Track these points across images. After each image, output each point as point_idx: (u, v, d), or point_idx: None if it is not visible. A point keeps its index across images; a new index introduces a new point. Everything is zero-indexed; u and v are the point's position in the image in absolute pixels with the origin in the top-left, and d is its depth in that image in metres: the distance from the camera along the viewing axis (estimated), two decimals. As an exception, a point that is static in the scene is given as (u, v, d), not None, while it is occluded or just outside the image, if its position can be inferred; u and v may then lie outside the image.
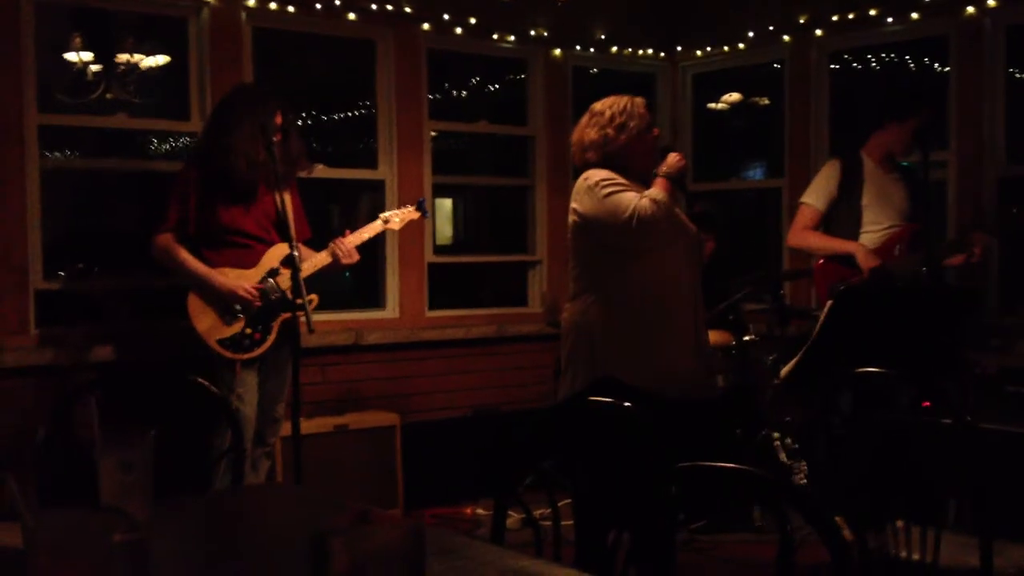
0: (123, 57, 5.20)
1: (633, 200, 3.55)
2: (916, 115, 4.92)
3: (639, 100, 3.81)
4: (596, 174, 3.68)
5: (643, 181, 3.73)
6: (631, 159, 3.72)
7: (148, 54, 5.30)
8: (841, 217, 5.04)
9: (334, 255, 4.47)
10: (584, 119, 3.84)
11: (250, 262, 4.40)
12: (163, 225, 4.36)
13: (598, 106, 3.83)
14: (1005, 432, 3.31)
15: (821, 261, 5.06)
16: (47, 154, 5.08)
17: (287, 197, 4.41)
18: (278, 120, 4.39)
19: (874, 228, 4.97)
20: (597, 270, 3.71)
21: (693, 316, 3.71)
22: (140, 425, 1.80)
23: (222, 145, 4.31)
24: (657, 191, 3.62)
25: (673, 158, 3.72)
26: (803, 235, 5.15)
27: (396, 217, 4.71)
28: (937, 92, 5.90)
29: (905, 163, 5.24)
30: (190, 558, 1.96)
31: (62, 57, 5.10)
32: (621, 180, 3.66)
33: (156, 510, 1.81)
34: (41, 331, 4.82)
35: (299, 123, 4.71)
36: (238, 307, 4.31)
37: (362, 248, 4.56)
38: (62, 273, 5.11)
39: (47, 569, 1.40)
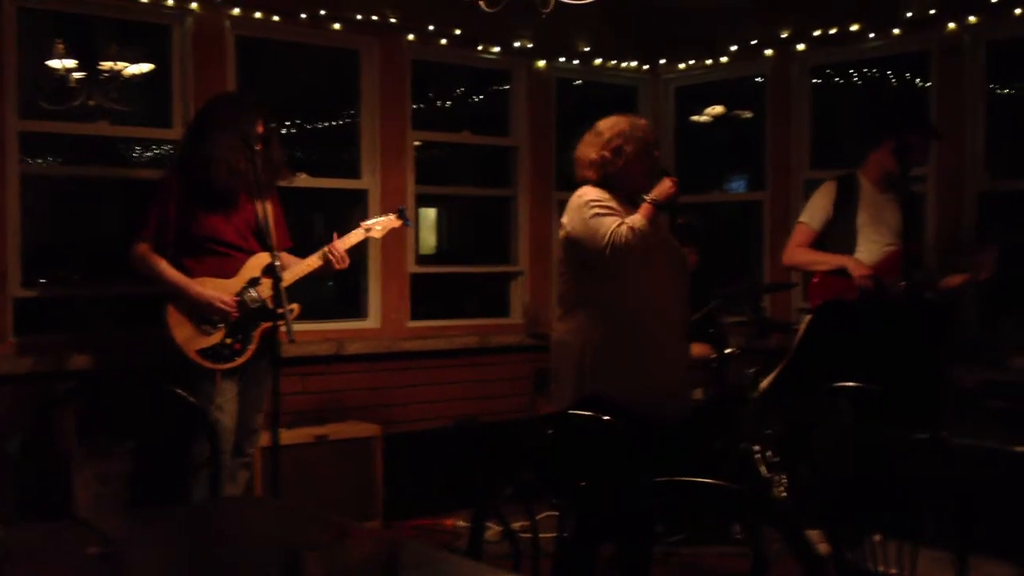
0: (106, 64, 5.19)
1: (612, 225, 3.63)
2: (908, 133, 4.93)
3: (641, 123, 3.88)
4: (588, 193, 3.76)
5: (635, 203, 3.80)
6: (626, 181, 3.81)
7: (131, 61, 5.29)
8: (837, 236, 5.06)
9: (326, 259, 4.47)
10: (587, 136, 3.91)
11: (230, 271, 4.38)
12: (141, 233, 4.34)
13: (601, 125, 3.89)
14: (981, 448, 3.33)
15: (817, 278, 5.07)
16: (28, 160, 5.05)
17: (268, 206, 4.40)
18: (259, 129, 4.38)
19: (870, 247, 4.99)
20: (585, 286, 3.77)
21: (678, 333, 3.75)
22: (117, 437, 1.80)
23: (203, 153, 4.29)
24: (639, 218, 3.69)
25: (665, 185, 3.77)
26: (794, 252, 5.19)
27: (378, 225, 4.70)
28: (925, 110, 5.93)
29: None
30: (166, 571, 1.95)
31: (44, 64, 5.08)
32: (609, 203, 3.73)
33: (133, 521, 1.81)
34: (19, 339, 4.79)
35: (282, 132, 4.70)
36: (216, 317, 4.30)
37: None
38: (42, 281, 5.08)
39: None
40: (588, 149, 3.85)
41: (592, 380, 3.66)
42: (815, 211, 5.13)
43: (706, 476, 1.85)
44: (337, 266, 4.50)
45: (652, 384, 3.68)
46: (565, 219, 3.80)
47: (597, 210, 3.69)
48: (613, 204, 3.75)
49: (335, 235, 4.54)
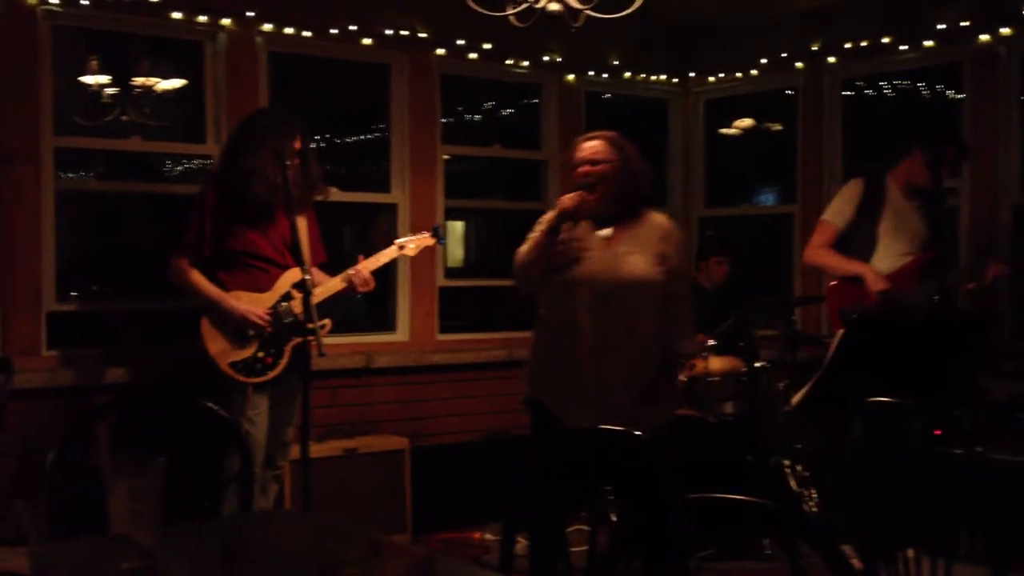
0: (139, 80, 5.25)
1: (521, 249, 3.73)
2: (943, 143, 4.89)
3: (575, 144, 3.87)
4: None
5: (601, 223, 3.79)
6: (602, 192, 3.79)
7: (164, 77, 5.34)
8: (858, 239, 5.02)
9: (349, 282, 4.47)
10: None
11: (265, 285, 4.41)
12: (179, 248, 4.38)
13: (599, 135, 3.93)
14: (1016, 462, 3.29)
15: (835, 282, 5.05)
16: (62, 175, 5.11)
17: (302, 221, 4.43)
18: (297, 144, 4.41)
19: (889, 254, 4.95)
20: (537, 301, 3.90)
21: (597, 354, 3.68)
22: (150, 452, 1.81)
23: (241, 168, 4.32)
24: (525, 244, 3.75)
25: (560, 201, 3.72)
26: (818, 252, 5.13)
27: (411, 243, 4.71)
28: (957, 126, 5.89)
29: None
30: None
31: (78, 80, 5.14)
32: (542, 222, 3.77)
33: (167, 536, 1.82)
34: (53, 353, 4.84)
35: (312, 146, 4.72)
36: (251, 331, 4.32)
37: (374, 272, 4.57)
38: (75, 294, 5.13)
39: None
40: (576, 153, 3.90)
41: (529, 386, 3.85)
42: (840, 209, 5.08)
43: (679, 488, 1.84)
44: (360, 289, 4.49)
45: (574, 397, 3.70)
46: None
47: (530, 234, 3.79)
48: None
49: (360, 257, 4.54)
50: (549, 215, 3.74)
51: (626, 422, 3.37)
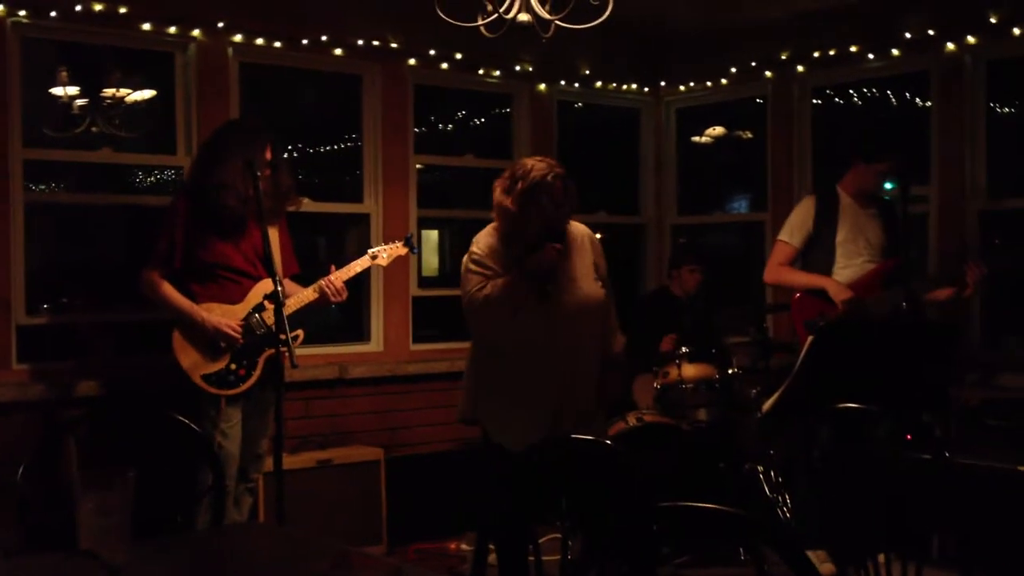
0: (109, 91, 5.22)
1: (472, 288, 3.70)
2: (883, 159, 4.99)
3: (538, 169, 3.73)
4: (478, 240, 3.84)
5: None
6: (523, 231, 3.73)
7: (134, 88, 5.33)
8: (817, 252, 5.10)
9: (322, 292, 4.46)
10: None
11: (237, 297, 4.40)
12: (150, 260, 4.36)
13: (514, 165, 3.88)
14: (984, 467, 3.33)
15: (798, 295, 5.10)
16: (32, 188, 5.08)
17: (274, 232, 4.42)
18: (267, 155, 4.40)
19: (849, 264, 5.02)
20: (472, 329, 3.89)
21: (553, 383, 3.71)
22: (121, 465, 1.80)
23: (211, 180, 4.31)
24: (500, 286, 3.68)
25: (545, 253, 3.66)
26: (777, 271, 5.22)
27: (384, 253, 4.71)
28: (906, 136, 5.98)
29: (886, 196, 5.29)
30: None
31: (48, 91, 5.12)
32: (487, 259, 3.75)
33: (138, 550, 1.81)
34: (23, 367, 4.81)
35: (285, 156, 4.72)
36: (223, 344, 4.31)
37: (348, 282, 4.57)
38: (46, 307, 5.10)
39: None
40: (496, 186, 3.81)
41: (465, 402, 3.90)
42: (795, 228, 5.17)
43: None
44: (333, 299, 4.47)
45: (515, 424, 3.73)
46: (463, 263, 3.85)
47: (470, 265, 3.76)
48: (491, 253, 3.75)
49: (332, 267, 4.54)
50: (482, 256, 3.75)
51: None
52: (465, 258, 3.84)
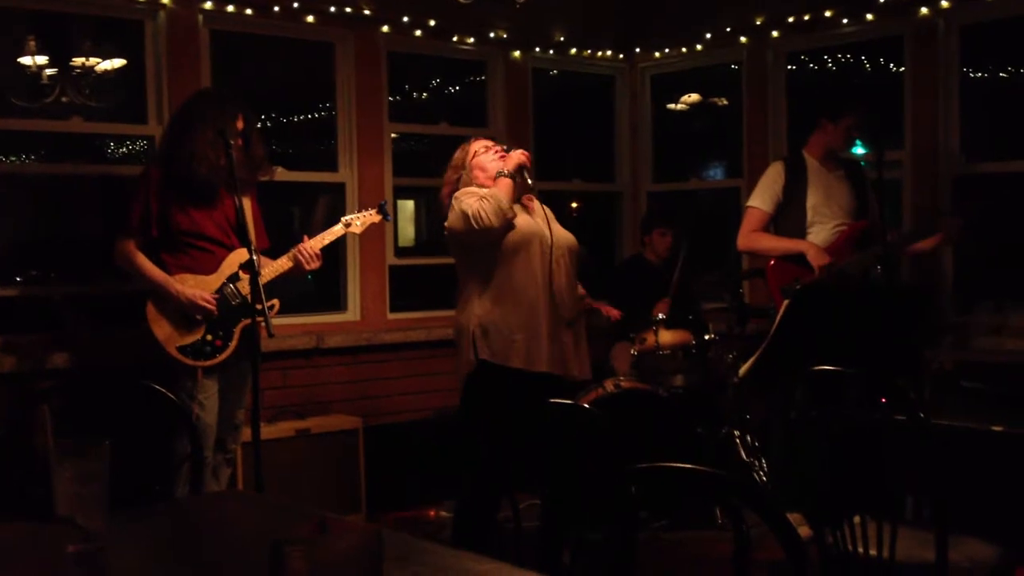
0: (78, 60, 5.16)
1: (473, 205, 3.94)
2: (848, 114, 5.01)
3: (461, 149, 4.30)
4: (459, 192, 4.14)
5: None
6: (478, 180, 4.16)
7: (104, 57, 5.26)
8: (788, 218, 5.11)
9: (296, 260, 4.44)
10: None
11: (211, 268, 4.37)
12: (124, 229, 4.32)
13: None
14: (959, 428, 3.36)
15: (773, 261, 5.11)
16: (2, 159, 5.02)
17: (247, 203, 4.39)
18: (239, 125, 4.36)
19: (821, 227, 5.03)
20: (469, 274, 4.12)
21: (552, 307, 4.02)
22: (96, 435, 1.79)
23: (183, 150, 4.27)
24: (494, 192, 3.98)
25: (514, 155, 4.09)
26: (752, 237, 5.21)
27: (357, 220, 4.69)
28: (871, 91, 5.99)
29: (861, 161, 5.30)
30: (149, 567, 1.95)
31: (16, 61, 5.05)
32: (475, 192, 4.06)
33: (114, 519, 1.80)
34: (-3, 338, 4.77)
35: (258, 126, 4.68)
36: (198, 316, 4.28)
37: (323, 251, 4.55)
38: (18, 279, 5.05)
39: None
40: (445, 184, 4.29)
41: (479, 350, 3.99)
42: (766, 194, 5.16)
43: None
44: (308, 266, 4.46)
45: (528, 350, 3.97)
46: (446, 223, 4.13)
47: (462, 198, 4.05)
48: (480, 191, 4.06)
49: (305, 237, 4.52)
50: (508, 166, 4.05)
51: (581, 370, 4.10)
52: (454, 205, 4.07)
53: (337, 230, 4.62)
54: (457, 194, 4.11)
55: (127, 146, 6.53)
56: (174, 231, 4.31)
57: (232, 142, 4.17)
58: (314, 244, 4.48)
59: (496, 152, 4.18)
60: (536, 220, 4.11)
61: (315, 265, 4.49)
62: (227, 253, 4.39)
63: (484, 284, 4.04)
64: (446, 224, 4.11)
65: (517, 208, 4.08)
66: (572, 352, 4.09)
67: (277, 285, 4.45)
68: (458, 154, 4.28)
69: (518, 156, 4.08)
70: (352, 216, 4.70)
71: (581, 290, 4.30)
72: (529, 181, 4.10)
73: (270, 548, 1.38)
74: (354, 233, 4.72)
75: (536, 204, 4.20)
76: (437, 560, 1.86)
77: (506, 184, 4.00)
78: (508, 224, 3.96)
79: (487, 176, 4.11)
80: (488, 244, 3.98)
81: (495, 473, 3.80)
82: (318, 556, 1.37)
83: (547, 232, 4.07)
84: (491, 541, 3.73)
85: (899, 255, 5.09)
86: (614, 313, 5.70)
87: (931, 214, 5.22)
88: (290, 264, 4.44)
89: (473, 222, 3.90)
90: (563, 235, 4.16)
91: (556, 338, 4.02)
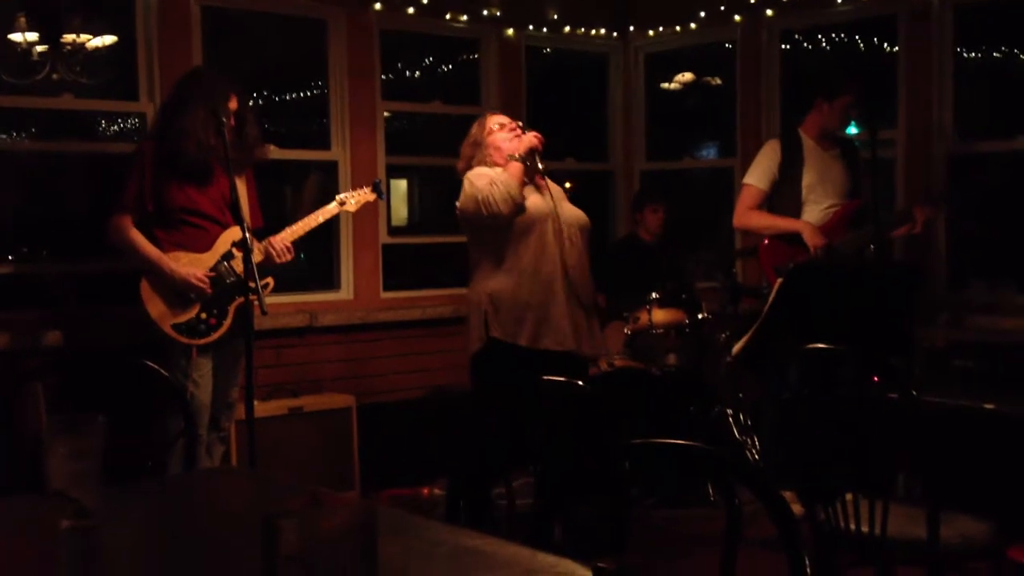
0: (69, 37, 5.12)
1: (484, 189, 4.00)
2: (845, 93, 5.00)
3: (478, 123, 4.34)
4: (470, 173, 4.17)
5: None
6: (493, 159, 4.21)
7: (95, 34, 5.23)
8: (783, 197, 5.10)
9: (266, 254, 4.42)
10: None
11: (204, 245, 4.35)
12: (120, 205, 4.30)
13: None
14: (951, 406, 3.37)
15: (766, 241, 5.11)
16: (-7, 136, 5.00)
17: (241, 183, 4.38)
18: (233, 105, 4.35)
19: (816, 207, 5.03)
20: (480, 252, 4.18)
21: (564, 284, 4.09)
22: (90, 412, 1.79)
23: (175, 128, 4.27)
24: (502, 174, 4.05)
25: (526, 138, 4.14)
26: (748, 215, 5.20)
27: (352, 199, 4.68)
28: (866, 70, 5.98)
29: (855, 141, 5.30)
30: (142, 542, 1.95)
31: (7, 38, 5.01)
32: (487, 175, 4.09)
33: (108, 495, 1.80)
34: (-11, 316, 4.76)
35: (250, 104, 4.65)
36: (192, 295, 4.27)
37: (316, 229, 4.55)
38: (10, 258, 5.03)
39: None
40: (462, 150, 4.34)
41: (490, 327, 4.05)
42: (762, 171, 5.15)
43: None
44: (278, 260, 4.45)
45: (540, 327, 4.04)
46: (457, 203, 4.17)
47: (473, 180, 4.09)
48: (492, 175, 4.09)
49: (287, 228, 4.50)
50: (520, 150, 4.11)
51: (593, 346, 4.19)
52: (466, 188, 4.11)
53: (331, 209, 4.61)
54: (469, 174, 4.14)
55: (118, 124, 6.49)
56: (169, 207, 4.30)
57: (224, 121, 4.16)
58: (285, 237, 4.46)
59: (512, 131, 4.21)
60: (547, 200, 4.15)
61: (287, 258, 4.47)
62: (221, 231, 4.38)
63: (496, 262, 4.10)
64: (457, 204, 4.16)
65: (529, 189, 4.13)
66: (585, 329, 4.15)
67: (270, 264, 4.44)
68: (475, 129, 4.32)
69: (530, 140, 4.12)
70: (346, 194, 4.69)
71: None
72: (540, 165, 4.15)
73: (263, 522, 1.38)
74: (348, 212, 4.71)
75: (549, 183, 4.25)
76: (431, 535, 1.87)
77: (517, 168, 4.06)
78: (518, 208, 4.02)
79: (501, 156, 4.16)
80: (498, 226, 4.05)
81: (495, 450, 3.78)
82: (311, 530, 1.38)
83: (557, 211, 4.12)
84: (485, 518, 3.73)
85: (891, 236, 5.10)
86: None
87: (913, 200, 5.21)
88: (260, 257, 4.40)
89: (483, 207, 3.97)
90: (574, 213, 4.23)
91: (568, 315, 4.07)
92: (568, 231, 4.12)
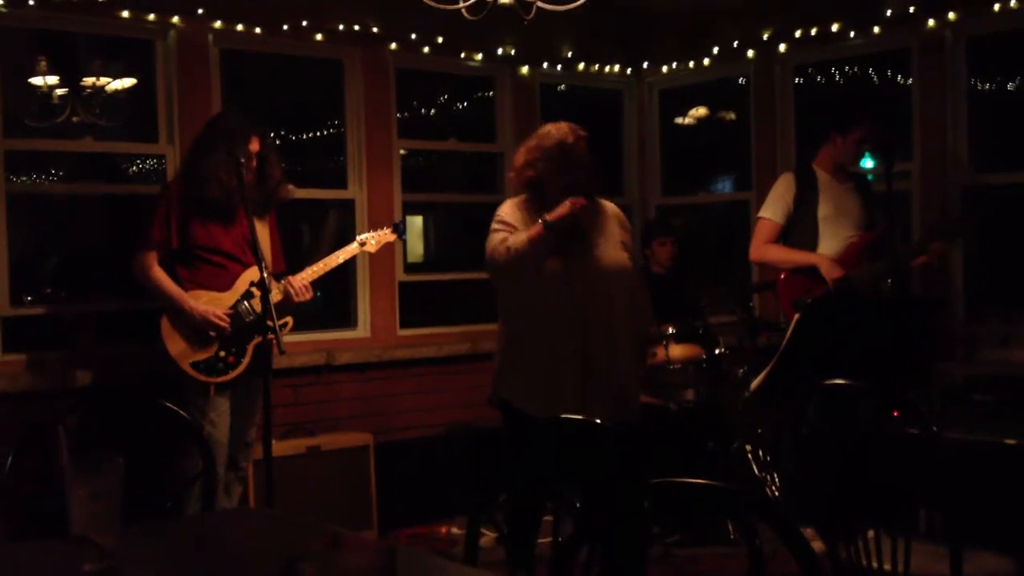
0: (89, 80, 5.19)
1: (496, 243, 3.68)
2: (858, 127, 5.00)
3: (560, 134, 3.78)
4: (500, 209, 3.83)
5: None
6: (546, 195, 3.74)
7: (114, 77, 5.29)
8: (799, 230, 5.09)
9: (285, 294, 4.43)
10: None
11: (224, 284, 4.39)
12: (144, 241, 4.35)
13: (538, 132, 3.87)
14: (971, 441, 3.35)
15: (784, 275, 5.09)
16: (13, 179, 5.04)
17: (263, 226, 4.42)
18: (254, 147, 4.39)
19: (833, 240, 5.02)
20: (500, 298, 3.86)
21: (581, 345, 3.67)
22: (109, 453, 1.80)
23: (197, 172, 4.32)
24: (521, 238, 3.65)
25: (564, 206, 3.65)
26: (764, 249, 5.19)
27: (372, 239, 4.71)
28: (880, 103, 5.99)
29: (870, 176, 5.30)
30: (162, 585, 1.95)
31: (28, 81, 5.08)
32: (510, 219, 3.75)
33: (128, 536, 1.81)
34: (9, 358, 4.78)
35: (274, 145, 4.70)
36: (212, 333, 4.29)
37: (334, 268, 4.57)
38: (29, 298, 5.07)
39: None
40: (519, 153, 3.87)
41: (498, 385, 3.79)
42: (777, 205, 5.15)
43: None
44: (297, 299, 4.45)
45: (545, 390, 3.66)
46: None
47: (494, 226, 3.76)
48: (516, 220, 3.74)
49: (307, 268, 4.51)
50: (552, 216, 3.64)
51: (614, 412, 3.57)
52: (492, 225, 3.80)
53: (352, 249, 4.65)
54: (499, 211, 3.82)
55: (138, 165, 6.56)
56: (192, 245, 4.34)
57: (243, 162, 4.20)
58: (305, 277, 4.47)
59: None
60: (577, 254, 3.71)
61: (306, 297, 4.47)
62: (242, 270, 4.41)
63: (508, 313, 3.82)
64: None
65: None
66: (600, 394, 3.67)
67: (290, 303, 4.45)
68: (532, 142, 3.82)
69: (566, 208, 3.63)
70: (367, 235, 4.72)
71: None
72: (583, 223, 3.69)
73: (283, 564, 1.38)
74: (368, 252, 4.73)
75: (604, 213, 3.83)
76: (451, 576, 1.86)
77: (538, 235, 3.62)
78: (528, 269, 3.65)
79: (555, 203, 3.68)
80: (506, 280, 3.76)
81: (529, 495, 3.52)
82: (332, 572, 1.37)
83: (587, 264, 3.70)
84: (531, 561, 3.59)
85: (908, 267, 5.08)
86: None
87: (928, 234, 5.19)
88: (280, 297, 4.41)
89: (488, 265, 3.73)
90: (611, 262, 3.75)
91: (580, 380, 3.66)
92: (597, 285, 3.68)
